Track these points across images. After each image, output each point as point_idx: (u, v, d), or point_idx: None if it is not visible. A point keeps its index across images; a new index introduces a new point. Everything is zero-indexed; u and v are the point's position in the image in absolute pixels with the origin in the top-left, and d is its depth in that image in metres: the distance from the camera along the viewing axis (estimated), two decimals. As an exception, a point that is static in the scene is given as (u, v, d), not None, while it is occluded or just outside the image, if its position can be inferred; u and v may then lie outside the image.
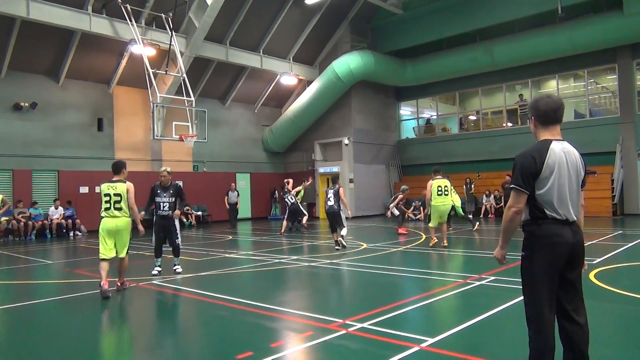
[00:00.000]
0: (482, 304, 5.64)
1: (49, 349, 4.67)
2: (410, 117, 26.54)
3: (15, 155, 16.82)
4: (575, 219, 3.00)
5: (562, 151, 2.97)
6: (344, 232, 11.42)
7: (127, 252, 7.09)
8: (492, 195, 20.36)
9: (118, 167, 7.25)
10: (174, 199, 8.42)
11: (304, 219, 16.48)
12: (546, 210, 2.94)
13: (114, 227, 6.89)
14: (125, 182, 7.05)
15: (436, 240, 10.96)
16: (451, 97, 25.10)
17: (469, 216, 16.41)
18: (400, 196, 15.43)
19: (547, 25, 19.06)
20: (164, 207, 8.34)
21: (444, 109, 25.89)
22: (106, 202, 6.94)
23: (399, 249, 11.13)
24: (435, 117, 25.54)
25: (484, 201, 20.50)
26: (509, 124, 22.32)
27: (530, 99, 21.42)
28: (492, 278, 7.08)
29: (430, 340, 4.31)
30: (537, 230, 2.96)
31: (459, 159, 22.87)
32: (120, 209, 6.90)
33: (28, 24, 15.46)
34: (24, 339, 5.04)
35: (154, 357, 4.45)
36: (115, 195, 6.92)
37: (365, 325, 4.85)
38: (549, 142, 2.99)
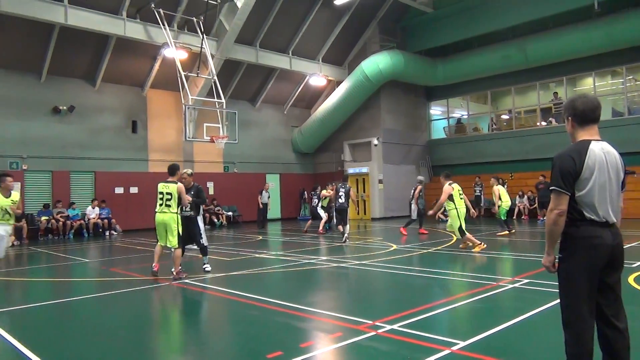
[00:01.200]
0: (516, 307, 5.53)
1: (86, 345, 4.82)
2: (440, 116, 26.21)
3: (54, 157, 17.42)
4: (615, 221, 2.93)
5: (601, 152, 2.90)
6: (346, 229, 13.01)
7: (179, 245, 7.92)
8: (526, 196, 19.91)
9: (172, 170, 8.15)
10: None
11: (321, 225, 15.89)
12: (585, 212, 2.86)
13: (162, 221, 7.89)
14: (176, 183, 7.96)
15: (484, 246, 10.35)
16: (483, 96, 24.66)
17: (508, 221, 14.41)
18: (419, 187, 14.73)
19: (582, 21, 18.51)
20: (186, 207, 8.49)
21: (476, 109, 25.47)
22: (160, 199, 7.92)
23: (429, 250, 11.00)
24: (466, 116, 25.15)
25: (517, 202, 20.06)
26: (543, 123, 21.78)
27: (565, 97, 20.87)
28: (526, 281, 6.93)
29: (462, 344, 4.25)
30: (575, 232, 2.88)
31: (491, 159, 22.45)
32: (169, 206, 7.85)
33: (66, 30, 15.99)
34: (63, 335, 5.22)
35: (186, 355, 4.54)
36: (167, 193, 7.89)
37: (395, 327, 4.82)
38: (587, 142, 2.91)
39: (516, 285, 6.78)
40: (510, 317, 5.03)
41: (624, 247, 3.00)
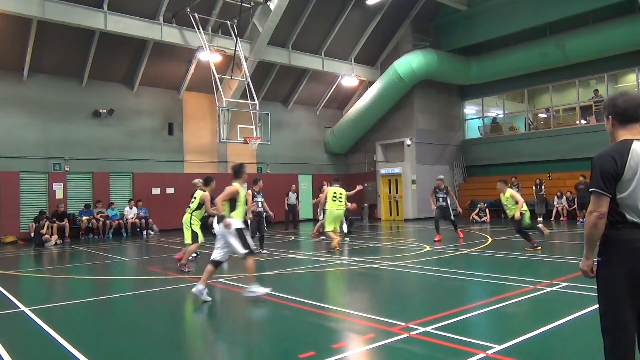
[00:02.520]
0: (554, 311, 5.38)
1: (123, 340, 4.97)
2: (475, 116, 25.74)
3: (94, 159, 18.02)
4: None
5: None
6: (344, 228, 13.90)
7: (195, 242, 9.18)
8: (564, 197, 19.33)
9: (206, 181, 9.35)
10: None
11: (315, 228, 15.25)
12: (627, 215, 2.74)
13: (183, 220, 9.38)
14: (204, 191, 9.17)
15: (339, 239, 11.87)
16: (519, 94, 24.09)
17: (538, 226, 12.00)
18: (434, 187, 13.78)
19: (625, 16, 17.82)
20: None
21: (511, 107, 24.90)
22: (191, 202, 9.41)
23: (463, 252, 10.83)
24: (501, 115, 24.62)
25: (555, 203, 19.49)
26: (583, 122, 21.09)
27: (606, 94, 20.16)
28: (565, 284, 6.73)
29: (497, 348, 4.17)
30: (615, 235, 2.76)
31: (527, 159, 21.91)
32: (189, 207, 9.31)
33: (106, 36, 16.52)
34: (102, 330, 5.39)
35: (219, 353, 4.62)
36: (193, 197, 9.35)
37: (428, 329, 4.77)
38: (629, 142, 2.78)
39: (554, 288, 6.59)
40: (548, 321, 4.89)
41: None
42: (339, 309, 5.87)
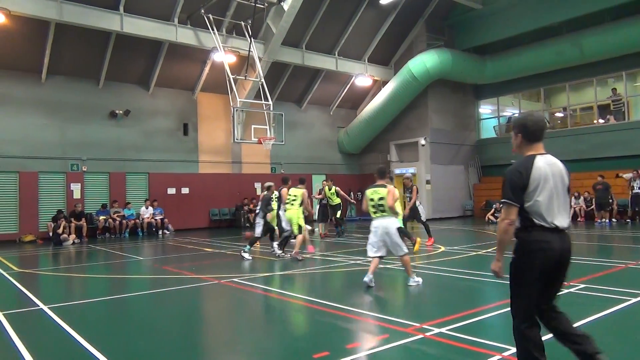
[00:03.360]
0: (572, 313, 5.25)
1: (139, 338, 5.03)
2: (490, 115, 25.51)
3: (111, 159, 18.25)
4: (566, 226, 3.20)
5: (546, 164, 3.23)
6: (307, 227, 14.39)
7: (300, 231, 10.50)
8: (582, 198, 19.05)
9: (301, 181, 11.17)
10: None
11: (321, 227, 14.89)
12: (534, 219, 3.16)
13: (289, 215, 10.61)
14: (297, 189, 10.73)
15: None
16: (535, 93, 23.81)
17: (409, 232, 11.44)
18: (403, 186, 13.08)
19: (644, 13, 17.53)
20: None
21: (527, 107, 24.61)
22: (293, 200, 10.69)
23: (479, 252, 10.74)
24: (517, 114, 24.36)
25: (572, 203, 19.21)
26: (601, 121, 20.77)
27: (624, 92, 19.86)
28: (582, 286, 6.64)
29: (513, 349, 4.12)
30: (527, 237, 3.19)
31: (544, 158, 21.61)
32: (292, 205, 10.58)
33: (122, 38, 16.72)
34: (118, 329, 5.46)
35: (234, 352, 4.65)
36: (294, 195, 10.61)
37: (443, 330, 4.74)
38: (533, 156, 3.25)
39: (572, 290, 6.50)
40: (564, 323, 4.83)
41: None
42: (353, 309, 5.86)
